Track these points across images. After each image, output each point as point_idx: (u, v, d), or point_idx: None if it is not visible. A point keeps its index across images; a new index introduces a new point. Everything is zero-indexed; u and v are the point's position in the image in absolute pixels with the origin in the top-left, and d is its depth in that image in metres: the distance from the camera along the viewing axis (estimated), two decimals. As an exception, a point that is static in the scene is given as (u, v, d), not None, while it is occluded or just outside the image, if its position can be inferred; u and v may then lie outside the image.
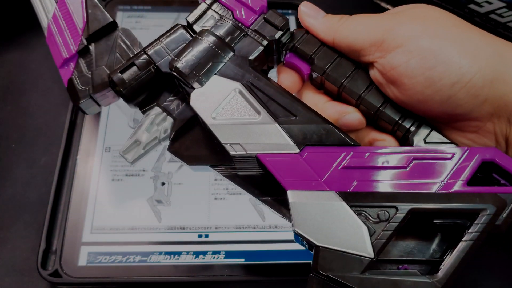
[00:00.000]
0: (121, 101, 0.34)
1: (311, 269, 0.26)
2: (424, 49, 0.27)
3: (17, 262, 0.42)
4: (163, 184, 0.45)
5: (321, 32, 0.31)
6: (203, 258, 0.41)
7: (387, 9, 0.58)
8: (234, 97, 0.29)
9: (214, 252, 0.42)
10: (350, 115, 0.30)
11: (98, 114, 0.49)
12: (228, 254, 0.42)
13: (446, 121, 0.29)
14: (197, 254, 0.42)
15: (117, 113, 0.49)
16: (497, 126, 0.28)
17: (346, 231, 0.26)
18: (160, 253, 0.41)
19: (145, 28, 0.54)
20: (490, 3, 0.55)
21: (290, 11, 0.57)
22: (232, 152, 0.28)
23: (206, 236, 0.43)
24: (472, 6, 0.58)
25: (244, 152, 0.28)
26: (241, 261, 0.42)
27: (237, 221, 0.44)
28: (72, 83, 0.35)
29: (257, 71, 0.30)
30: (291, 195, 0.27)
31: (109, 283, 0.40)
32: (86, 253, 0.41)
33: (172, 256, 0.41)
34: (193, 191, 0.45)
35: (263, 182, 0.30)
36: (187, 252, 0.42)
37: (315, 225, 0.26)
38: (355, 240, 0.26)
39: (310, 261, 0.27)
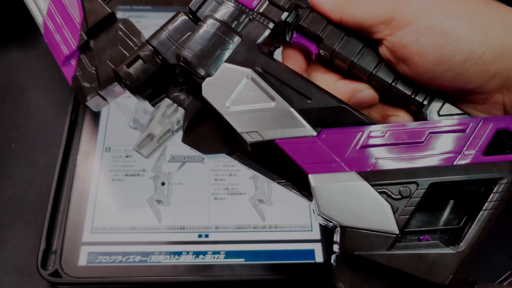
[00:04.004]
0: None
1: (339, 249, 0.27)
2: (434, 27, 0.27)
3: (17, 262, 0.42)
4: (163, 184, 0.45)
5: (328, 10, 0.30)
6: (203, 258, 0.41)
7: None
8: (247, 84, 0.29)
9: (214, 252, 0.42)
10: (363, 92, 0.30)
11: (98, 114, 0.49)
12: (228, 254, 0.42)
13: (455, 95, 0.29)
14: (197, 254, 0.42)
15: (117, 113, 0.49)
16: (506, 97, 0.28)
17: (370, 210, 0.27)
18: (160, 253, 0.41)
19: (145, 28, 0.54)
20: (490, 3, 0.55)
21: None
22: (249, 140, 0.28)
23: (206, 236, 0.43)
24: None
25: (262, 139, 0.28)
26: (241, 261, 0.41)
27: (237, 221, 0.44)
28: (77, 80, 0.34)
29: (267, 56, 0.30)
30: (313, 179, 0.27)
31: (109, 283, 0.40)
32: (86, 253, 0.41)
33: (172, 256, 0.41)
34: (193, 191, 0.45)
35: (280, 166, 0.30)
36: (187, 252, 0.42)
37: (339, 206, 0.27)
38: (379, 218, 0.27)
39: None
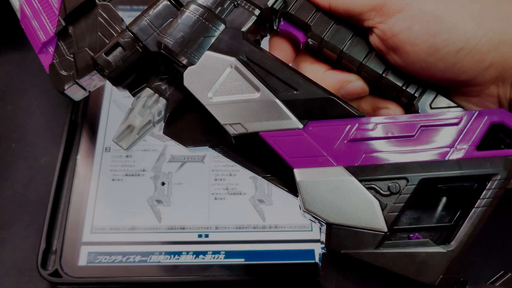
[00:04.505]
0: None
1: (325, 247, 0.26)
2: (427, 14, 0.26)
3: (17, 262, 0.42)
4: (163, 184, 0.45)
5: None
6: (203, 258, 0.41)
7: None
8: (230, 74, 0.28)
9: (214, 252, 0.42)
10: (352, 83, 0.29)
11: (98, 114, 0.49)
12: (228, 254, 0.42)
13: (448, 86, 0.28)
14: (197, 254, 0.42)
15: (117, 113, 0.49)
16: (500, 89, 0.27)
17: (357, 206, 0.26)
18: (160, 253, 0.41)
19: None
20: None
21: None
22: (233, 133, 0.27)
23: (206, 236, 0.43)
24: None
25: (246, 131, 0.27)
26: (241, 261, 0.41)
27: (237, 221, 0.44)
28: (54, 68, 0.32)
29: (252, 44, 0.29)
30: (298, 174, 0.26)
31: (109, 283, 0.40)
32: (86, 253, 0.41)
33: (172, 256, 0.41)
34: (193, 191, 0.45)
35: (265, 159, 0.29)
36: (187, 252, 0.42)
37: (325, 202, 0.26)
38: (367, 215, 0.25)
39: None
